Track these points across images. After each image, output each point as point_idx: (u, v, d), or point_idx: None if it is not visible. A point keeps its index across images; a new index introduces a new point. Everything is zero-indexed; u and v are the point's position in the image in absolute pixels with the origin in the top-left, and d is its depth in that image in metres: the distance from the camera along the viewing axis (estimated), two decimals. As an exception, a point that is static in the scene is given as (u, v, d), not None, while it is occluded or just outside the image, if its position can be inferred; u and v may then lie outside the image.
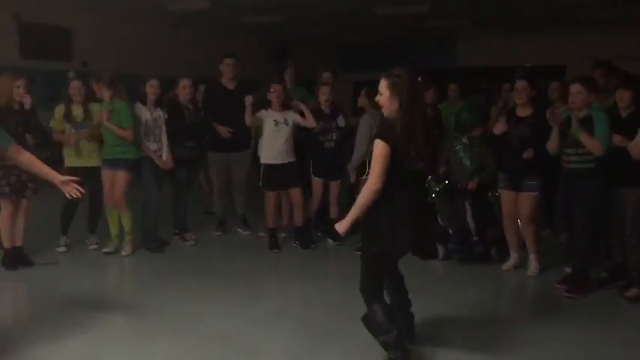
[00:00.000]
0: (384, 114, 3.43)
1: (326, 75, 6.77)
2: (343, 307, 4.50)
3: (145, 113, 5.92)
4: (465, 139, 5.71)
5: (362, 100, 6.19)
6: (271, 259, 6.05)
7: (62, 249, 5.92)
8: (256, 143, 6.39)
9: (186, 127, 6.14)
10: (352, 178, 5.95)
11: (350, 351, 3.77)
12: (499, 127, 5.22)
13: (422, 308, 4.02)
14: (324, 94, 6.19)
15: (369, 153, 3.39)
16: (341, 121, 6.24)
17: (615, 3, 9.91)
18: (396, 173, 3.32)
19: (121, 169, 5.78)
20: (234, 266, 5.68)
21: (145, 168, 5.96)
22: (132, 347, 3.83)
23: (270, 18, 11.34)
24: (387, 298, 3.58)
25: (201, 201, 7.65)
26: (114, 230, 5.95)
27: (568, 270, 5.11)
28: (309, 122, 6.00)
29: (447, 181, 5.60)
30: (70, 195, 3.58)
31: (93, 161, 5.86)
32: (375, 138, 3.34)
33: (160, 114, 6.02)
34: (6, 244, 5.42)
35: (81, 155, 5.80)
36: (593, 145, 4.61)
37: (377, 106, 3.58)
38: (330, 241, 6.39)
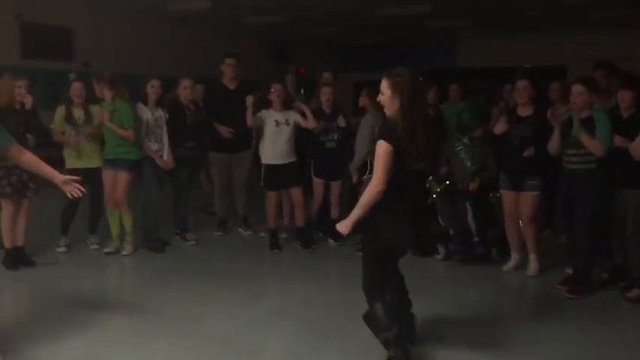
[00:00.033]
0: (386, 114, 3.44)
1: (326, 75, 6.77)
2: (344, 307, 4.50)
3: (146, 113, 5.93)
4: (466, 140, 5.71)
5: (363, 101, 6.20)
6: (272, 259, 6.05)
7: (62, 249, 5.93)
8: (257, 144, 6.39)
9: (188, 127, 6.14)
10: (354, 178, 5.96)
11: (351, 351, 3.77)
12: (500, 127, 5.23)
13: (423, 308, 4.02)
14: (325, 95, 6.19)
15: (371, 153, 3.39)
16: (341, 122, 6.25)
17: (616, 3, 9.91)
18: (398, 173, 3.32)
19: (123, 170, 5.78)
20: (235, 266, 5.68)
21: (146, 168, 5.97)
22: (133, 347, 3.83)
23: (271, 18, 11.35)
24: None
25: (202, 201, 7.64)
26: (115, 230, 5.95)
27: (569, 271, 5.11)
28: (310, 123, 6.00)
29: (448, 182, 5.60)
30: (72, 194, 3.58)
31: (94, 162, 5.86)
32: (377, 139, 3.35)
33: (161, 114, 6.02)
34: (7, 244, 5.42)
35: (81, 157, 5.80)
36: (594, 145, 4.61)
37: (378, 107, 3.58)
38: (331, 241, 6.39)
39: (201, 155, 6.56)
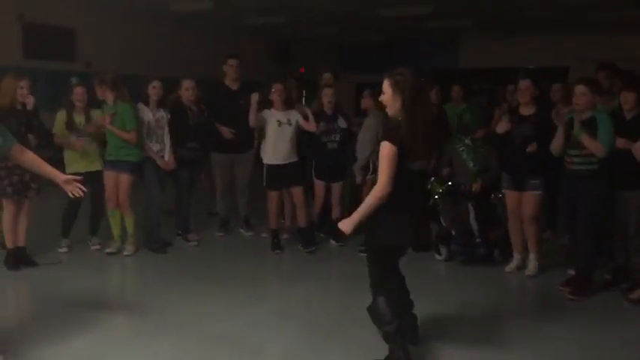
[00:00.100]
0: (388, 113, 3.45)
1: (327, 76, 6.77)
2: (346, 308, 4.50)
3: (147, 114, 5.93)
4: (468, 141, 5.71)
5: (366, 102, 6.20)
6: (274, 260, 6.05)
7: (64, 249, 5.93)
8: (259, 144, 6.39)
9: (190, 128, 6.14)
10: (358, 179, 5.95)
11: (352, 352, 3.77)
12: (502, 126, 5.22)
13: (425, 309, 4.02)
14: (327, 96, 6.18)
15: (374, 153, 3.39)
16: (342, 123, 6.24)
17: (616, 5, 9.91)
18: (401, 172, 3.33)
19: (125, 172, 5.79)
20: (236, 267, 5.67)
21: (147, 169, 5.97)
22: (134, 347, 3.83)
23: (273, 19, 11.36)
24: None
25: (204, 202, 7.64)
26: (116, 231, 5.95)
27: (571, 272, 5.10)
28: (311, 126, 6.00)
29: (450, 183, 5.60)
30: (73, 194, 3.58)
31: (95, 165, 5.86)
32: (381, 140, 3.35)
33: (163, 115, 6.02)
34: (9, 245, 5.42)
35: (83, 160, 5.79)
36: (595, 147, 4.60)
37: (381, 107, 3.59)
38: (332, 242, 6.39)
39: (203, 156, 6.55)
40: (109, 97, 5.80)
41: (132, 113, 5.76)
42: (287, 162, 6.03)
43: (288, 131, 6.00)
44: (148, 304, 4.60)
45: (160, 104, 6.03)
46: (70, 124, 5.73)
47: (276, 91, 5.99)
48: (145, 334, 4.03)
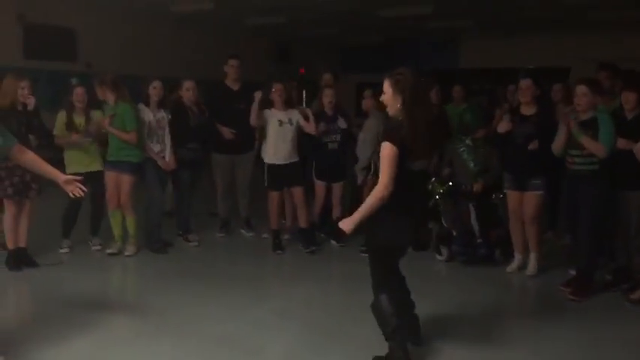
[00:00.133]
0: (389, 113, 3.46)
1: (327, 76, 6.76)
2: (347, 308, 4.50)
3: (147, 114, 5.93)
4: (468, 141, 5.71)
5: (366, 103, 6.20)
6: (275, 260, 6.05)
7: (65, 250, 5.93)
8: (260, 145, 6.39)
9: (190, 129, 6.13)
10: (359, 179, 5.94)
11: (353, 352, 3.76)
12: (503, 126, 5.22)
13: (425, 310, 4.02)
14: (327, 97, 6.18)
15: (375, 154, 3.39)
16: (342, 123, 6.23)
17: (617, 5, 9.90)
18: (401, 172, 3.32)
19: (126, 173, 5.79)
20: (237, 268, 5.67)
21: (148, 169, 5.97)
22: (135, 348, 3.83)
23: (273, 19, 11.35)
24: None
25: (206, 203, 7.64)
26: (117, 231, 5.95)
27: (572, 272, 5.09)
28: (310, 128, 6.00)
29: (450, 183, 5.59)
30: (74, 194, 3.58)
31: (95, 166, 5.86)
32: (381, 140, 3.36)
33: (163, 115, 6.02)
34: (10, 245, 5.42)
35: (82, 160, 5.79)
36: (595, 147, 4.59)
37: (382, 107, 3.59)
38: (333, 242, 6.39)
39: (204, 157, 6.55)
40: (110, 97, 5.80)
41: (132, 113, 5.76)
42: (288, 162, 6.03)
43: (289, 131, 6.00)
44: (149, 305, 4.60)
45: (161, 105, 6.03)
46: (70, 125, 5.73)
47: (276, 91, 5.99)
48: (146, 335, 4.03)
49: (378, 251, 3.54)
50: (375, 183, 3.41)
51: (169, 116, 6.05)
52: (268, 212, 6.22)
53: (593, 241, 4.79)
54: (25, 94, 5.32)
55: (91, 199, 5.66)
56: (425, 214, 5.26)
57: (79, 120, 5.77)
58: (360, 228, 3.42)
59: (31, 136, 5.34)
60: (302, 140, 6.18)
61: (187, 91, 6.12)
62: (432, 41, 15.03)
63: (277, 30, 12.86)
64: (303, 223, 6.17)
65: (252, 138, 6.56)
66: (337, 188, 6.32)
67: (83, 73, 8.93)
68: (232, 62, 6.52)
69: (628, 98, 4.71)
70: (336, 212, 6.33)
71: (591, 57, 8.69)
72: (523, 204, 5.24)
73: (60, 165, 5.15)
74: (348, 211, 6.19)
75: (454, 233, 5.70)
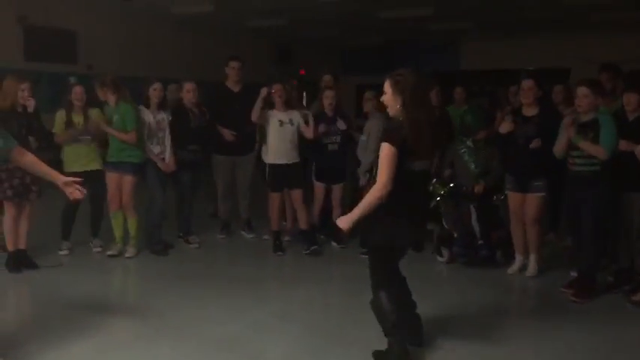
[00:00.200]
0: (389, 114, 3.46)
1: (327, 78, 6.75)
2: (347, 310, 4.49)
3: (147, 116, 5.92)
4: (469, 143, 5.70)
5: (368, 104, 6.19)
6: (275, 262, 6.03)
7: (65, 252, 5.92)
8: (260, 146, 6.39)
9: (191, 131, 6.13)
10: (362, 181, 5.94)
11: (354, 355, 3.74)
12: (505, 127, 5.20)
13: (426, 311, 4.00)
14: (327, 98, 6.18)
15: (377, 156, 3.40)
16: (341, 124, 6.22)
17: (618, 6, 9.90)
18: (400, 173, 3.33)
19: (128, 174, 5.79)
20: (237, 269, 5.66)
21: (149, 171, 5.96)
22: (135, 351, 3.81)
23: (274, 21, 11.35)
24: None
25: (207, 204, 7.63)
26: (118, 233, 5.94)
27: (574, 274, 5.07)
28: (309, 134, 6.00)
29: (451, 185, 5.58)
30: (73, 196, 3.56)
31: (93, 165, 5.85)
32: (380, 141, 3.36)
33: (164, 117, 6.02)
34: (10, 247, 5.41)
35: (81, 159, 5.78)
36: (595, 150, 4.58)
37: (383, 108, 3.60)
38: (334, 244, 6.38)
39: (204, 158, 6.54)
40: (111, 98, 5.80)
41: (133, 114, 5.75)
42: (289, 162, 6.03)
43: (290, 131, 5.99)
44: (149, 307, 4.59)
45: (161, 106, 6.02)
46: (69, 124, 5.72)
47: (276, 91, 5.99)
48: (145, 338, 4.01)
49: (378, 252, 3.55)
50: (373, 185, 3.41)
51: (170, 118, 6.04)
52: (269, 214, 6.21)
53: (595, 242, 4.77)
54: (25, 96, 5.32)
55: (90, 200, 5.64)
56: (425, 215, 5.28)
57: (77, 119, 5.76)
58: (358, 228, 3.43)
59: (30, 138, 5.34)
60: (302, 142, 6.17)
61: (188, 93, 6.11)
62: (433, 43, 15.03)
63: (278, 32, 12.86)
64: (303, 224, 6.16)
65: (252, 139, 6.55)
66: (337, 190, 6.30)
67: (84, 74, 8.93)
68: (233, 64, 6.52)
69: (630, 99, 4.70)
70: (336, 214, 6.31)
71: (592, 58, 8.68)
72: (525, 206, 5.23)
73: (59, 165, 5.15)
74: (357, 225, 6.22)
75: (455, 235, 5.69)
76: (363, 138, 6.09)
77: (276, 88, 6.00)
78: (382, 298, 3.47)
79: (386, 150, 3.30)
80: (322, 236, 6.47)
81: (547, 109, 5.21)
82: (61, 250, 5.92)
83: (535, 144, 5.03)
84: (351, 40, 14.83)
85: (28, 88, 5.35)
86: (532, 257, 5.33)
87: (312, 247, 6.06)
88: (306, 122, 6.03)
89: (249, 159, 6.65)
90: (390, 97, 3.40)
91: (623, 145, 4.57)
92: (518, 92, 5.52)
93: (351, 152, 6.29)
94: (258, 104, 6.02)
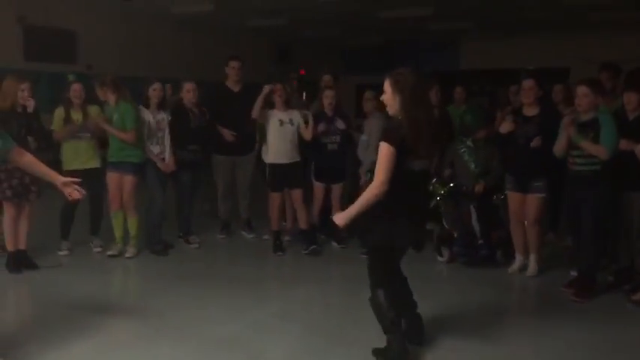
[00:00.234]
0: (389, 113, 3.48)
1: (327, 78, 6.76)
2: (347, 310, 4.49)
3: (147, 116, 5.92)
4: (469, 142, 5.70)
5: (368, 104, 6.19)
6: (275, 262, 6.03)
7: (65, 252, 5.92)
8: (260, 146, 6.39)
9: (191, 131, 6.12)
10: (363, 180, 5.93)
11: (355, 355, 3.74)
12: (506, 126, 5.20)
13: (427, 311, 4.00)
14: (327, 98, 6.18)
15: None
16: (340, 124, 6.22)
17: (618, 5, 9.89)
18: (400, 172, 3.33)
19: (129, 174, 5.79)
20: (237, 269, 5.66)
21: (149, 171, 5.96)
22: (135, 352, 3.81)
23: (274, 20, 11.35)
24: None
25: (207, 204, 7.62)
26: (118, 233, 5.94)
27: (574, 273, 5.07)
28: (307, 135, 6.01)
29: (452, 184, 5.58)
30: (71, 196, 3.56)
31: (92, 163, 5.85)
32: (379, 140, 3.37)
33: (164, 116, 6.01)
34: (10, 247, 5.40)
35: (80, 157, 5.78)
36: (596, 150, 4.58)
37: (383, 107, 3.61)
38: (334, 244, 6.38)
39: (204, 158, 6.54)
40: (111, 98, 5.80)
41: (133, 113, 5.75)
42: (289, 162, 6.03)
43: (290, 131, 6.00)
44: (149, 307, 4.58)
45: (161, 106, 6.02)
46: (68, 121, 5.72)
47: (275, 92, 5.99)
48: (145, 338, 4.01)
49: (378, 252, 3.55)
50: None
51: (169, 118, 6.04)
52: (269, 214, 6.21)
53: (594, 242, 4.77)
54: (25, 97, 5.32)
55: (89, 199, 5.64)
56: (425, 214, 5.29)
57: (76, 116, 5.76)
58: (358, 228, 3.45)
59: (30, 139, 5.34)
60: (301, 142, 6.17)
61: (188, 93, 6.11)
62: (433, 43, 15.02)
63: (277, 31, 12.85)
64: (302, 224, 6.16)
65: (252, 139, 6.56)
66: (337, 189, 6.30)
67: (83, 74, 8.92)
68: (233, 64, 6.52)
69: (630, 99, 4.70)
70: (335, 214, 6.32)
71: (591, 58, 8.67)
72: (525, 206, 5.22)
73: (58, 166, 5.15)
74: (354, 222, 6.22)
75: (455, 234, 5.69)
76: (364, 137, 6.09)
77: (276, 88, 6.00)
78: (380, 296, 3.49)
79: (384, 149, 3.31)
80: (322, 236, 6.47)
81: (548, 109, 5.21)
82: (60, 251, 5.92)
83: (536, 142, 5.02)
84: (351, 40, 14.82)
85: (28, 89, 5.34)
86: (532, 257, 5.33)
87: (312, 247, 6.05)
88: (306, 122, 6.03)
89: (249, 159, 6.65)
90: (389, 96, 3.41)
91: (624, 144, 4.57)
92: (519, 92, 5.52)
93: (351, 152, 6.29)
94: (260, 101, 6.02)
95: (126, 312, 4.56)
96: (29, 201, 5.39)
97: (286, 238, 6.44)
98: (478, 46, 14.76)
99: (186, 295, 4.86)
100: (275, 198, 6.11)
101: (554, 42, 13.30)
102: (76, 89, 5.75)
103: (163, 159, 5.98)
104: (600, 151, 4.56)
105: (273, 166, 6.05)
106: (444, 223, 5.72)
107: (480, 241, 5.59)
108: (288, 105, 6.08)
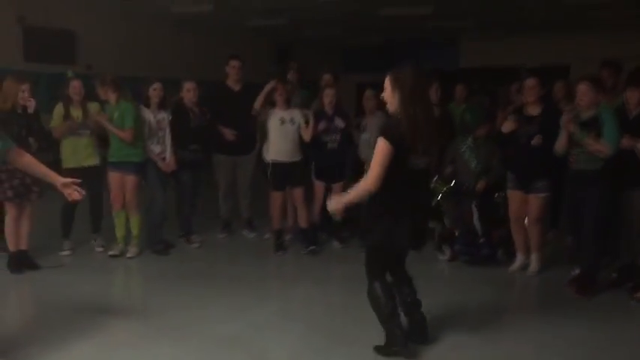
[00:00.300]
0: (389, 110, 3.48)
1: (327, 77, 6.76)
2: (349, 309, 4.49)
3: (148, 115, 5.92)
4: (469, 141, 5.69)
5: (369, 103, 6.19)
6: (276, 261, 6.03)
7: (67, 252, 5.92)
8: (261, 146, 6.38)
9: (191, 130, 6.12)
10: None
11: (356, 353, 3.74)
12: (508, 126, 5.19)
13: (428, 308, 3.99)
14: (328, 97, 6.18)
15: None
16: (340, 123, 6.21)
17: (617, 5, 9.88)
18: (400, 170, 3.33)
19: (130, 173, 5.79)
20: (238, 269, 5.66)
21: (150, 170, 5.96)
22: (136, 351, 3.81)
23: (274, 20, 11.34)
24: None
25: (208, 204, 7.61)
26: (120, 233, 5.94)
27: (576, 271, 5.07)
28: (307, 136, 6.01)
29: (453, 183, 5.58)
30: (71, 197, 3.55)
31: (91, 160, 5.85)
32: (377, 136, 3.38)
33: (164, 116, 6.01)
34: (11, 248, 5.40)
35: (79, 154, 5.77)
36: (599, 147, 4.57)
37: (383, 104, 3.63)
38: (335, 243, 6.37)
39: (205, 158, 6.54)
40: (112, 97, 5.79)
41: (133, 112, 5.74)
42: (291, 160, 6.03)
43: (291, 130, 6.00)
44: (150, 307, 4.59)
45: (161, 106, 6.02)
46: (67, 118, 5.72)
47: (277, 90, 5.99)
48: (146, 338, 4.01)
49: (377, 250, 3.57)
50: None
51: (170, 117, 6.04)
52: (270, 213, 6.21)
53: (596, 240, 4.77)
54: (25, 97, 5.32)
55: (89, 198, 5.63)
56: (427, 213, 5.29)
57: (76, 113, 5.76)
58: (358, 228, 3.47)
59: (31, 139, 5.33)
60: (301, 141, 6.17)
61: (188, 92, 6.11)
62: (432, 42, 15.01)
63: (277, 31, 12.84)
64: (303, 223, 6.15)
65: (253, 139, 6.55)
66: (337, 188, 6.27)
67: (83, 75, 8.91)
68: (233, 63, 6.52)
69: (632, 96, 4.69)
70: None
71: (594, 56, 8.65)
72: (527, 205, 5.21)
73: (58, 166, 5.15)
74: (349, 211, 6.22)
75: (456, 233, 5.68)
76: (365, 136, 6.08)
77: (278, 87, 6.00)
78: (377, 288, 3.54)
79: (381, 145, 3.33)
80: (324, 235, 6.47)
81: (550, 109, 5.19)
82: (63, 251, 5.92)
83: (536, 140, 5.01)
84: (351, 40, 14.81)
85: (28, 89, 5.34)
86: (534, 256, 5.32)
87: (311, 248, 6.06)
88: (307, 122, 6.03)
89: (250, 158, 6.65)
90: (389, 94, 3.43)
91: (626, 141, 4.56)
92: (520, 90, 5.51)
93: (351, 151, 6.29)
94: (262, 96, 6.00)
95: (127, 311, 4.55)
96: (30, 201, 5.39)
97: (288, 236, 6.43)
98: (478, 45, 14.75)
99: (187, 294, 4.86)
100: (276, 197, 6.11)
101: (554, 41, 13.28)
102: (75, 86, 5.75)
103: (164, 158, 5.98)
104: (604, 147, 4.55)
105: (275, 164, 6.05)
106: (445, 222, 5.72)
107: (482, 240, 5.59)
108: (288, 104, 6.08)
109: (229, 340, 3.97)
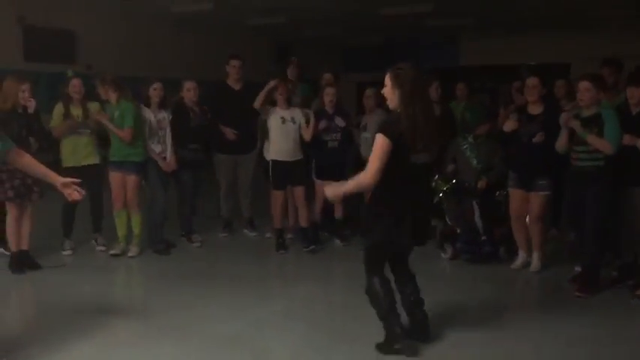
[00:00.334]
0: (389, 107, 3.50)
1: (327, 76, 6.76)
2: (350, 307, 4.48)
3: (149, 115, 5.92)
4: (470, 139, 5.69)
5: (369, 102, 6.19)
6: (278, 260, 6.03)
7: (68, 252, 5.92)
8: (262, 145, 6.38)
9: (191, 130, 6.12)
10: None
11: (358, 351, 3.74)
12: (510, 125, 5.19)
13: (430, 306, 3.98)
14: (328, 96, 6.18)
15: None
16: (340, 121, 6.21)
17: (618, 5, 9.88)
18: (400, 167, 3.34)
19: (132, 173, 5.78)
20: (240, 268, 5.65)
21: (150, 170, 5.96)
22: (137, 351, 3.80)
23: (274, 19, 11.34)
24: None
25: (208, 203, 7.61)
26: (121, 232, 5.94)
27: (578, 269, 5.07)
28: (307, 135, 6.00)
29: (454, 181, 5.57)
30: (71, 197, 3.55)
31: (91, 159, 5.85)
32: (376, 132, 3.39)
33: (165, 116, 6.01)
34: (12, 248, 5.40)
35: (78, 153, 5.77)
36: (602, 145, 4.56)
37: (383, 101, 3.64)
38: (337, 241, 6.38)
39: (205, 157, 6.54)
40: (112, 96, 5.79)
41: (133, 112, 5.74)
42: (292, 159, 6.02)
43: (292, 129, 6.00)
44: (151, 306, 4.58)
45: (162, 105, 6.01)
46: (67, 117, 5.72)
47: (278, 89, 5.99)
48: (148, 337, 4.01)
49: (377, 248, 3.58)
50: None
51: (170, 117, 6.04)
52: (271, 212, 6.21)
53: (598, 238, 4.76)
54: (25, 97, 5.31)
55: (89, 198, 5.63)
56: (429, 210, 5.30)
57: (76, 111, 5.76)
58: (359, 227, 3.47)
59: (31, 139, 5.33)
60: (302, 140, 6.17)
61: (188, 92, 6.11)
62: (432, 40, 15.00)
63: (277, 30, 12.84)
64: (304, 222, 6.15)
65: (254, 138, 6.56)
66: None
67: (83, 74, 8.90)
68: (234, 62, 6.52)
69: (633, 94, 4.68)
70: (338, 211, 6.33)
71: (594, 54, 8.65)
72: (528, 204, 5.21)
73: (58, 166, 5.15)
74: (350, 210, 6.23)
75: (458, 231, 5.68)
76: (367, 135, 6.08)
77: (279, 85, 6.00)
78: (376, 284, 3.56)
79: (380, 141, 3.34)
80: (325, 233, 6.47)
81: (551, 108, 5.19)
82: (64, 250, 5.92)
83: (538, 138, 5.01)
84: (351, 39, 14.81)
85: (28, 89, 5.34)
86: (535, 255, 5.32)
87: (310, 247, 6.06)
88: (308, 121, 6.03)
89: (251, 157, 6.65)
90: (389, 90, 3.44)
91: (627, 139, 4.56)
92: (522, 88, 5.50)
93: (353, 150, 6.28)
94: (263, 93, 6.00)
95: (128, 311, 4.55)
96: (31, 201, 5.39)
97: (289, 235, 6.43)
98: (477, 43, 14.74)
99: (189, 293, 4.86)
100: (278, 196, 6.11)
101: (554, 39, 13.28)
102: (75, 84, 5.75)
103: (165, 158, 5.98)
104: (606, 145, 4.54)
105: (276, 163, 6.05)
106: (447, 220, 5.72)
107: (483, 238, 5.58)
108: (289, 103, 6.08)
109: (230, 339, 3.97)
